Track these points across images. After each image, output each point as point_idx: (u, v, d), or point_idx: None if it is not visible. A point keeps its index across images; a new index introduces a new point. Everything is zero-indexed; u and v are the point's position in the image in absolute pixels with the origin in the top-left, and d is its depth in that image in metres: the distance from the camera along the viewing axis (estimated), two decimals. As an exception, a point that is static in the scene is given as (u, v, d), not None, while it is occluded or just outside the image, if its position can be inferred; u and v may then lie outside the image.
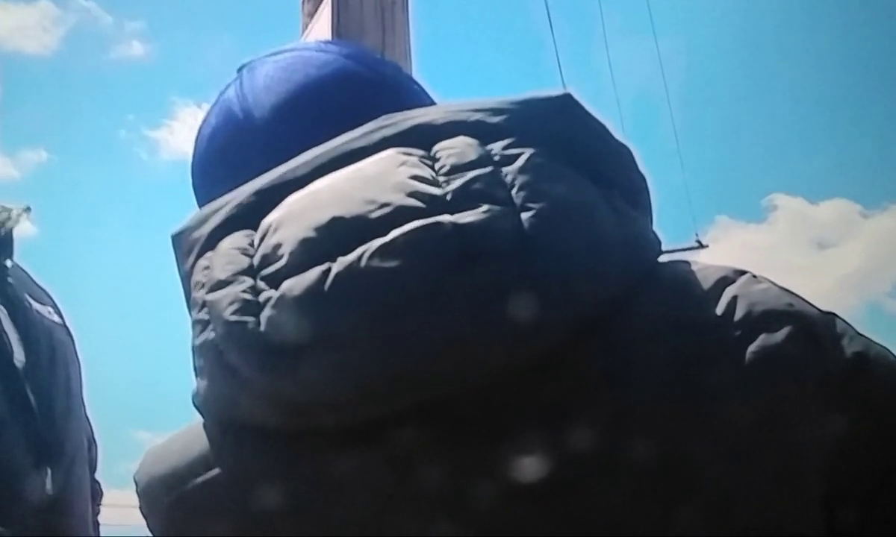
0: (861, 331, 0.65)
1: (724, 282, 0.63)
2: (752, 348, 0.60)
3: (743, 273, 0.65)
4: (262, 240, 0.64)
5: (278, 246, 0.63)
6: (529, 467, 0.59)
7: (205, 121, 0.82)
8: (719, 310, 0.62)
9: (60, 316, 1.65)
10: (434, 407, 0.60)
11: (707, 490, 0.58)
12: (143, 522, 0.69)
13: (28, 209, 1.61)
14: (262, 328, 0.60)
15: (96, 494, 1.69)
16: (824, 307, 0.65)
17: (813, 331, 0.62)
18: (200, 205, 0.79)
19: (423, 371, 0.58)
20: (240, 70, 0.82)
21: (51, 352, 1.55)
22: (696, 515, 0.58)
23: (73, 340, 1.65)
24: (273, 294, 0.61)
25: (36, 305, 1.59)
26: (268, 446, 0.63)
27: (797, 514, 0.59)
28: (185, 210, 0.75)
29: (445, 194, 0.61)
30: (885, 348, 0.65)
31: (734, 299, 0.62)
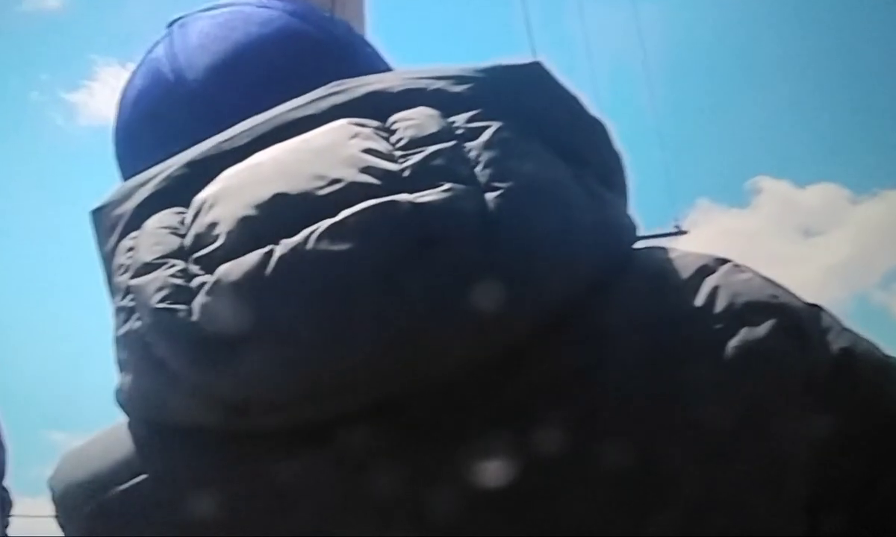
0: (848, 325, 0.66)
1: (705, 271, 0.64)
2: (732, 343, 0.61)
3: (725, 262, 0.65)
4: (194, 218, 0.63)
5: (213, 225, 0.61)
6: (493, 472, 0.58)
7: (129, 82, 0.81)
8: (699, 301, 0.62)
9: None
10: (388, 407, 0.59)
11: (684, 495, 0.58)
12: (60, 533, 0.68)
13: None
14: (195, 317, 0.59)
15: (5, 503, 1.67)
16: (810, 299, 0.66)
17: (797, 324, 0.62)
18: (125, 177, 0.77)
19: (376, 367, 0.58)
20: (170, 26, 0.81)
21: None
22: (672, 522, 0.58)
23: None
24: (207, 279, 0.60)
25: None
26: (201, 449, 0.62)
27: (779, 520, 0.60)
28: (107, 183, 0.74)
29: (402, 170, 0.61)
30: (872, 343, 0.66)
31: (715, 290, 0.62)
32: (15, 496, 1.73)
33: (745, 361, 0.60)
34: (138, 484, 0.63)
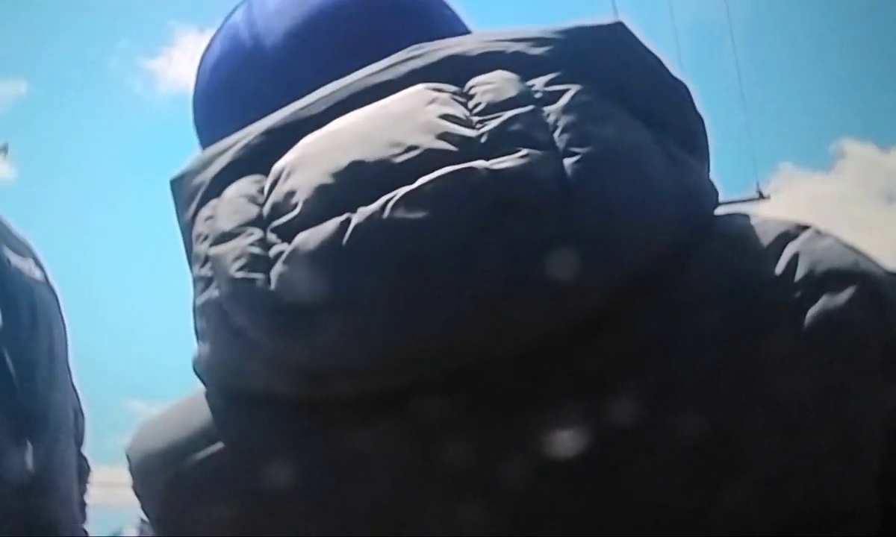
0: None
1: (786, 237, 0.63)
2: (812, 312, 0.60)
3: (806, 228, 0.65)
4: (273, 186, 0.64)
5: (291, 193, 0.62)
6: (566, 442, 0.59)
7: (208, 49, 0.82)
8: (779, 268, 0.62)
9: (43, 271, 1.66)
10: (463, 376, 0.60)
11: (758, 466, 0.59)
12: (137, 502, 0.70)
13: (5, 148, 1.61)
14: (273, 286, 0.60)
15: (83, 471, 1.71)
16: (893, 266, 0.65)
17: (878, 292, 0.62)
18: (203, 145, 0.79)
19: (452, 335, 0.58)
20: None
21: (32, 312, 1.56)
22: (745, 493, 0.59)
23: (57, 299, 1.66)
24: (285, 248, 0.61)
25: (15, 259, 1.59)
26: (277, 417, 0.63)
27: (852, 493, 0.60)
28: (186, 151, 0.75)
29: (480, 136, 0.61)
30: None
31: (795, 257, 0.62)
32: (93, 464, 1.76)
33: (824, 330, 0.60)
34: (215, 452, 0.64)
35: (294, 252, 0.60)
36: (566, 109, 0.62)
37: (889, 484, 0.60)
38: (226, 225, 0.64)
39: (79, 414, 1.71)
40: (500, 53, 0.66)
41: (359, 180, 0.61)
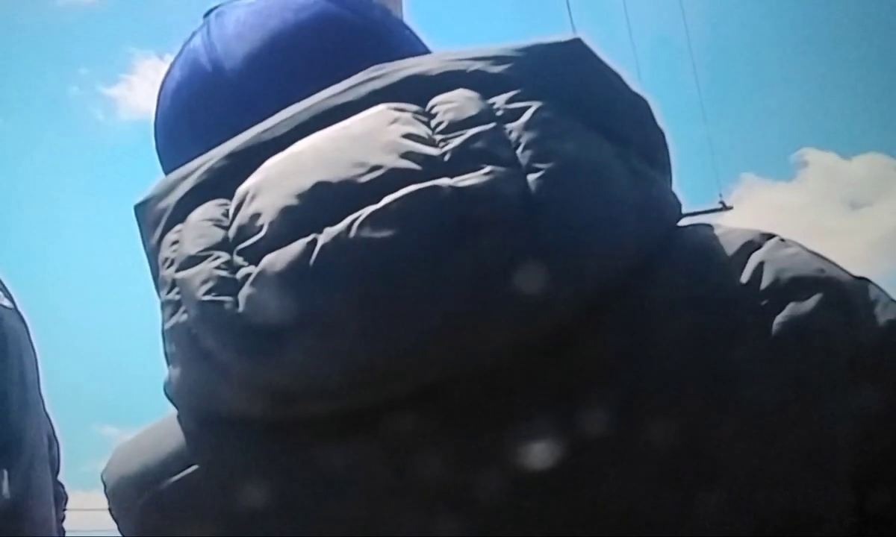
0: (896, 298, 0.65)
1: (750, 246, 0.64)
2: (779, 319, 0.61)
3: (770, 236, 0.65)
4: (237, 209, 0.64)
5: (256, 215, 0.63)
6: (539, 455, 0.59)
7: (168, 74, 0.82)
8: (744, 277, 0.62)
9: (11, 299, 1.65)
10: (434, 392, 0.60)
11: (730, 473, 0.59)
12: (114, 526, 0.70)
13: None
14: (241, 308, 0.60)
15: (59, 497, 1.70)
16: (857, 272, 0.66)
17: (844, 298, 0.62)
18: (166, 170, 0.79)
19: (421, 352, 0.59)
20: (207, 15, 0.82)
21: (2, 340, 1.55)
22: (718, 500, 0.59)
23: (26, 327, 1.66)
24: (252, 270, 0.61)
25: (-17, 289, 1.59)
26: (250, 439, 0.63)
27: (826, 496, 0.60)
28: (150, 176, 0.75)
29: (443, 154, 0.61)
30: None
31: (760, 265, 0.63)
32: (69, 490, 1.76)
33: (792, 337, 0.60)
34: (189, 475, 0.64)
35: (261, 274, 0.60)
36: (528, 126, 0.62)
37: (863, 486, 0.61)
38: (192, 249, 0.64)
39: (53, 440, 1.70)
40: (461, 72, 0.66)
41: (324, 201, 0.61)
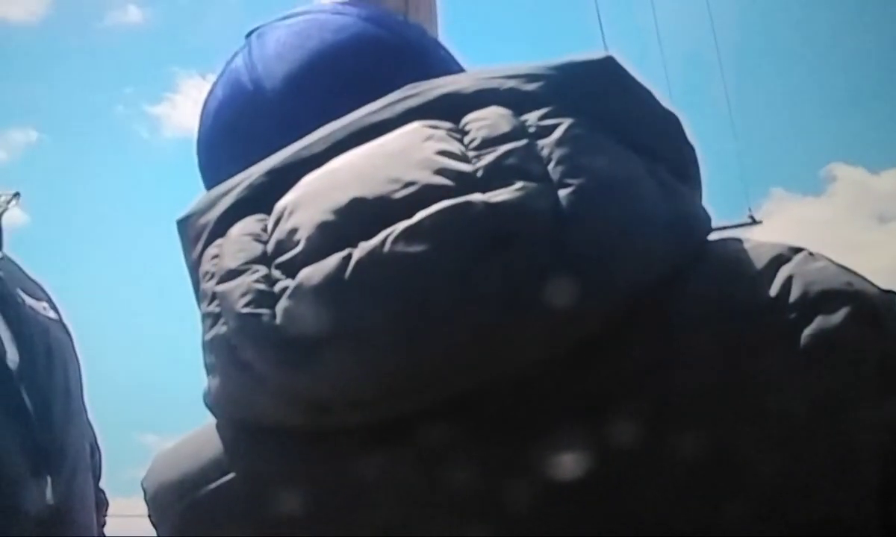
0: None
1: (779, 260, 0.64)
2: (807, 331, 0.61)
3: (799, 250, 0.65)
4: (276, 224, 0.65)
5: (294, 231, 0.64)
6: (568, 464, 0.60)
7: (211, 94, 0.83)
8: (773, 291, 0.62)
9: (56, 311, 1.67)
10: (465, 402, 0.60)
11: (757, 484, 0.59)
12: (153, 532, 0.70)
13: (17, 195, 1.63)
14: (278, 320, 0.61)
15: (101, 503, 1.71)
16: (885, 285, 0.65)
17: (872, 311, 0.62)
18: (208, 186, 0.79)
19: (453, 363, 0.59)
20: (248, 36, 0.83)
21: (47, 351, 1.57)
22: (745, 511, 0.59)
23: (70, 338, 1.67)
24: (289, 283, 0.62)
25: (29, 301, 1.61)
26: (285, 447, 0.64)
27: (853, 508, 0.60)
28: (192, 193, 0.76)
29: (476, 171, 0.62)
30: None
31: (789, 279, 0.63)
32: (109, 496, 1.77)
33: (820, 349, 0.60)
34: (227, 482, 0.65)
35: (298, 287, 0.61)
36: (559, 142, 0.63)
37: (889, 498, 0.60)
38: (231, 263, 0.65)
39: (95, 448, 1.72)
40: (494, 90, 0.67)
41: (359, 216, 0.62)
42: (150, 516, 0.71)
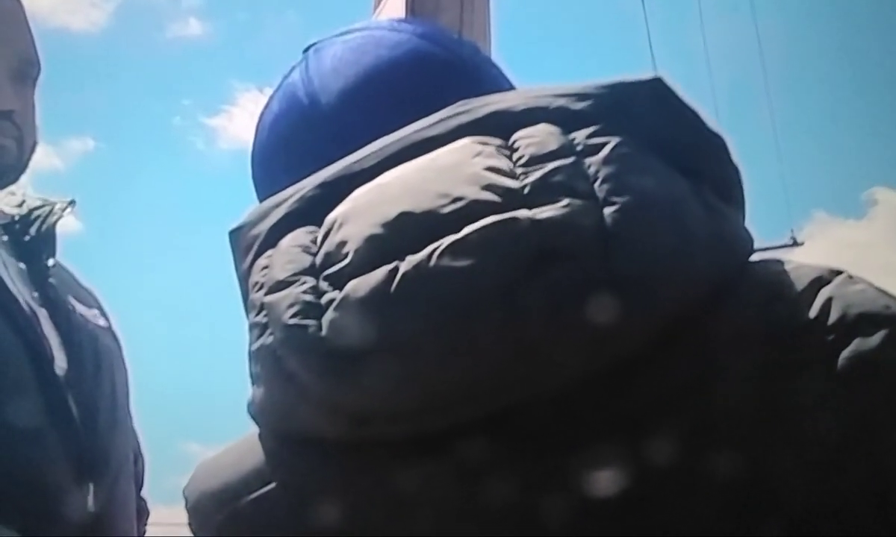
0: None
1: (819, 282, 0.64)
2: (845, 354, 0.61)
3: (839, 273, 0.65)
4: (325, 236, 0.66)
5: (343, 243, 0.64)
6: (605, 481, 0.60)
7: (267, 107, 0.85)
8: (812, 313, 0.62)
9: (106, 319, 1.68)
10: (505, 417, 0.61)
11: (790, 504, 0.59)
12: (194, 540, 0.71)
13: (72, 203, 1.64)
14: (324, 332, 0.62)
15: (142, 512, 1.72)
16: None
17: None
18: (261, 198, 0.81)
19: (495, 378, 0.60)
20: (306, 51, 0.85)
21: (95, 358, 1.58)
22: (780, 531, 0.59)
23: (119, 346, 1.68)
24: (336, 295, 0.62)
25: (80, 308, 1.62)
26: (327, 458, 0.64)
27: (887, 530, 0.60)
28: (245, 204, 0.77)
29: (523, 187, 0.62)
30: None
31: (829, 301, 0.63)
32: (151, 504, 1.78)
33: (857, 372, 0.60)
34: (267, 492, 0.66)
35: (344, 299, 0.62)
36: (606, 161, 0.63)
37: None
38: (281, 274, 0.66)
39: (138, 456, 1.72)
40: (544, 108, 0.68)
41: (407, 230, 0.62)
42: (189, 525, 0.71)
